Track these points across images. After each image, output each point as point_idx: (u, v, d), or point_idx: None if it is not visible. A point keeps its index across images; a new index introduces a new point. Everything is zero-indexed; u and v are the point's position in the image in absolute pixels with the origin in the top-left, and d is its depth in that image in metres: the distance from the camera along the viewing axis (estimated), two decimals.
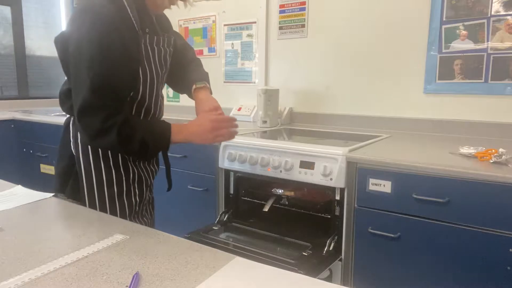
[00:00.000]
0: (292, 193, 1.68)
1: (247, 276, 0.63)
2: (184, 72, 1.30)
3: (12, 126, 2.93)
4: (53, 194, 1.03)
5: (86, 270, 0.64)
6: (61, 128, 1.22)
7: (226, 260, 0.69)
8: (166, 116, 1.25)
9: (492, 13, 1.78)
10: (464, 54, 1.86)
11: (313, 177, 1.49)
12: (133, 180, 1.15)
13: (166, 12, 1.21)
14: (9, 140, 2.91)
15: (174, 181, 1.31)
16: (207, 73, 1.32)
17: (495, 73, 1.80)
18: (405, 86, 2.05)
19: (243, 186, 1.80)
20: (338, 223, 1.50)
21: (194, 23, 2.87)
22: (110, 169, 1.11)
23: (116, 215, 1.10)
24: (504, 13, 1.76)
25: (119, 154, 1.12)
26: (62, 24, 3.79)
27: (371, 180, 1.39)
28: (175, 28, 2.28)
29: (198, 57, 1.38)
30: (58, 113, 3.01)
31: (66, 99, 1.13)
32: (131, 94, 1.08)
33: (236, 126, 1.22)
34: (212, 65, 2.70)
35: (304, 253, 1.40)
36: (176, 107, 2.93)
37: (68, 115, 1.18)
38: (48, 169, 2.73)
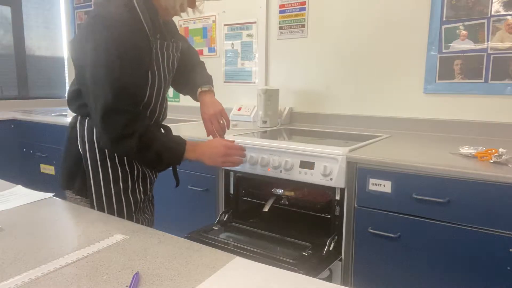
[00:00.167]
0: (292, 193, 1.68)
1: (247, 276, 0.63)
2: (189, 75, 1.35)
3: (12, 126, 2.93)
4: (53, 194, 1.03)
5: (86, 270, 0.64)
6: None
7: (226, 260, 0.69)
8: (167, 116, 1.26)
9: (492, 13, 1.78)
10: (464, 54, 1.86)
11: (313, 177, 1.49)
12: (138, 177, 1.19)
13: None
14: (9, 140, 2.91)
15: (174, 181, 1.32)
16: (211, 76, 1.38)
17: (495, 73, 1.80)
18: (405, 86, 2.05)
19: (243, 186, 1.80)
20: (338, 223, 1.50)
21: (194, 23, 2.87)
22: (116, 166, 1.15)
23: (123, 211, 1.15)
24: (504, 13, 1.76)
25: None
26: (62, 24, 3.79)
27: (371, 180, 1.39)
28: None
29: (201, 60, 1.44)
30: (58, 113, 3.02)
31: (73, 100, 1.17)
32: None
33: (245, 155, 1.32)
34: (212, 65, 2.70)
35: (304, 253, 1.40)
36: (176, 107, 2.92)
37: (74, 115, 1.22)
38: (48, 169, 2.73)
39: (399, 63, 2.05)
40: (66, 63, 3.85)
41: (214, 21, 2.76)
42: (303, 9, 2.34)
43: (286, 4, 2.40)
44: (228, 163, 1.27)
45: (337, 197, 1.48)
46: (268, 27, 2.50)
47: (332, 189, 1.48)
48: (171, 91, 2.82)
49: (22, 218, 0.88)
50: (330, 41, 2.27)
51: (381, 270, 1.41)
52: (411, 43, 2.00)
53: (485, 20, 1.80)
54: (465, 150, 1.41)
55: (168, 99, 3.04)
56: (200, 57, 1.46)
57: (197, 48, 2.79)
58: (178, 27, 2.91)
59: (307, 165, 1.51)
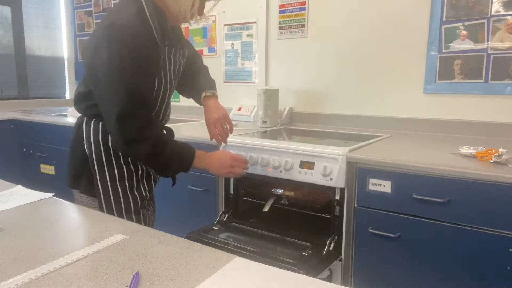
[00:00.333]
0: (292, 193, 1.68)
1: (247, 276, 0.63)
2: (194, 78, 1.40)
3: (12, 126, 2.92)
4: (53, 194, 1.03)
5: (86, 270, 0.64)
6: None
7: (226, 260, 0.69)
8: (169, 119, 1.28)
9: (492, 13, 1.78)
10: (464, 54, 1.86)
11: (313, 177, 1.49)
12: (142, 176, 1.23)
13: None
14: (9, 140, 2.91)
15: None
16: (214, 81, 1.43)
17: (495, 73, 1.80)
18: (405, 86, 2.05)
19: (243, 186, 1.80)
20: (338, 223, 1.50)
21: (194, 23, 2.87)
22: (121, 165, 1.19)
23: (130, 207, 1.20)
24: (504, 13, 1.76)
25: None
26: (62, 24, 3.79)
27: (371, 180, 1.39)
28: None
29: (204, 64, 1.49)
30: (58, 113, 3.02)
31: (81, 101, 1.21)
32: None
33: (247, 168, 1.40)
34: (212, 65, 2.70)
35: (304, 253, 1.40)
36: (176, 107, 2.92)
37: (79, 115, 1.25)
38: (48, 169, 2.73)
39: (399, 63, 2.05)
40: (66, 63, 3.85)
41: (214, 21, 2.76)
42: (303, 9, 2.34)
43: (286, 4, 2.40)
44: (231, 174, 1.35)
45: (337, 197, 1.48)
46: (268, 27, 2.50)
47: (332, 189, 1.48)
48: None
49: (22, 218, 0.88)
50: (330, 41, 2.27)
51: (381, 270, 1.41)
52: (411, 43, 2.00)
53: (485, 20, 1.80)
54: (465, 150, 1.41)
55: None
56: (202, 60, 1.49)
57: (197, 48, 2.79)
58: None
59: (307, 165, 1.51)
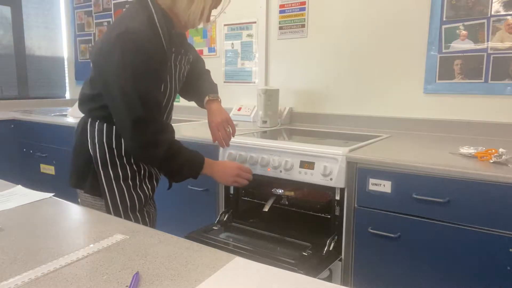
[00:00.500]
0: (292, 193, 1.68)
1: (247, 276, 0.63)
2: (196, 82, 1.43)
3: (12, 126, 2.93)
4: (53, 194, 1.03)
5: (86, 270, 0.64)
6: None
7: (226, 260, 0.69)
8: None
9: (492, 13, 1.78)
10: (464, 54, 1.86)
11: (313, 177, 1.49)
12: (144, 175, 1.26)
13: None
14: (9, 140, 2.91)
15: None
16: (216, 85, 1.46)
17: (495, 73, 1.80)
18: (405, 86, 2.05)
19: (243, 186, 1.80)
20: (338, 223, 1.49)
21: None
22: (125, 165, 1.22)
23: (135, 205, 1.23)
24: (504, 13, 1.76)
25: (131, 154, 1.22)
26: (62, 24, 3.79)
27: (371, 180, 1.39)
28: None
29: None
30: (58, 113, 3.02)
31: (86, 103, 1.24)
32: None
33: (251, 178, 1.43)
34: (212, 65, 2.69)
35: (304, 253, 1.40)
36: (176, 107, 2.91)
37: (83, 116, 1.27)
38: (48, 169, 2.73)
39: (399, 63, 2.05)
40: (66, 63, 3.85)
41: (214, 21, 2.75)
42: (303, 9, 2.34)
43: (286, 4, 2.40)
44: (236, 183, 1.40)
45: (337, 197, 1.48)
46: (268, 27, 2.50)
47: (332, 189, 1.48)
48: None
49: (22, 218, 0.88)
50: (330, 41, 2.27)
51: (381, 270, 1.41)
52: (411, 43, 2.00)
53: (485, 20, 1.80)
54: (465, 150, 1.41)
55: None
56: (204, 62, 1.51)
57: (197, 48, 2.79)
58: None
59: (307, 165, 1.51)
